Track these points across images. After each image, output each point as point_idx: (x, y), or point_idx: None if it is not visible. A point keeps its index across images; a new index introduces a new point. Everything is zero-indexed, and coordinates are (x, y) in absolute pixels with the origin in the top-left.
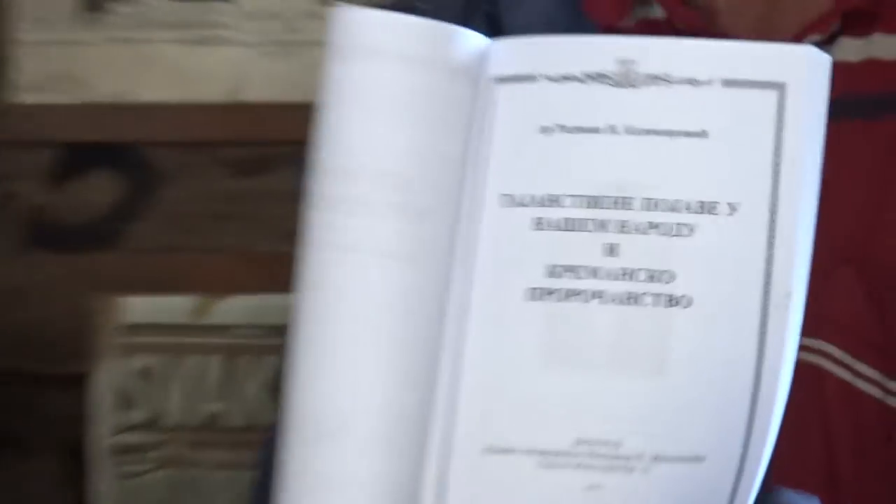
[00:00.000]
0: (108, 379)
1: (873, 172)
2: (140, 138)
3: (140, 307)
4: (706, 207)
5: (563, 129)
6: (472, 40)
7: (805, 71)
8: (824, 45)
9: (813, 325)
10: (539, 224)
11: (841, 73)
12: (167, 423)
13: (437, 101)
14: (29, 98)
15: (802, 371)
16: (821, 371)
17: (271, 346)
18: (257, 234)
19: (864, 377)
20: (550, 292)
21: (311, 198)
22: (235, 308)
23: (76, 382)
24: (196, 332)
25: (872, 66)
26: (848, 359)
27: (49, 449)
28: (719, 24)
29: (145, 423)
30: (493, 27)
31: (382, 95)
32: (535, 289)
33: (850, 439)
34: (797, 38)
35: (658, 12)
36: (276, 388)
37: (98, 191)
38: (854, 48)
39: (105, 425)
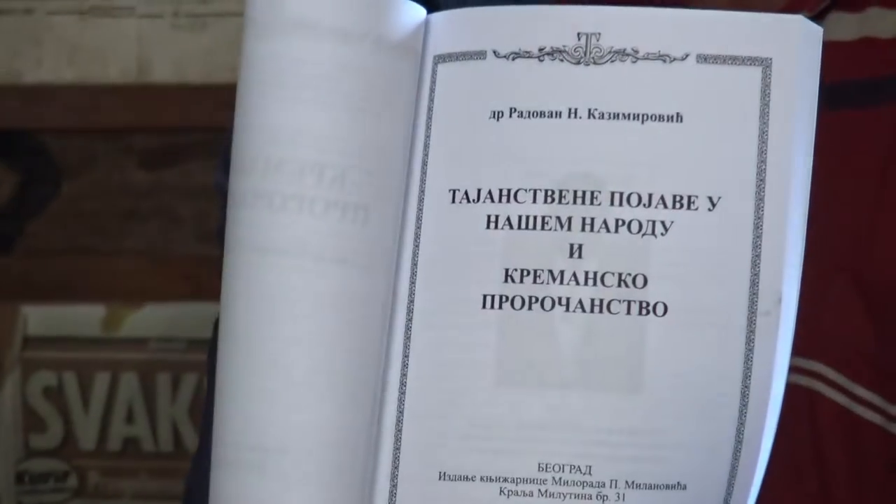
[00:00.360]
0: (10, 399)
1: (871, 168)
2: (34, 125)
3: (43, 318)
4: (683, 202)
5: (517, 113)
6: (410, 12)
7: (794, 44)
8: (814, 20)
9: (805, 343)
10: (493, 222)
11: (833, 55)
12: (79, 448)
13: (373, 81)
14: None
15: (794, 395)
16: (814, 395)
17: (192, 362)
18: (173, 234)
19: (862, 402)
20: (507, 299)
21: (233, 193)
22: (151, 319)
23: None
24: (107, 346)
25: (868, 46)
26: (844, 381)
27: None
28: (693, 2)
29: (55, 449)
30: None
31: (309, 75)
32: (490, 295)
33: (847, 470)
34: (783, 13)
35: None
36: (198, 409)
37: None
38: (847, 25)
39: (9, 451)
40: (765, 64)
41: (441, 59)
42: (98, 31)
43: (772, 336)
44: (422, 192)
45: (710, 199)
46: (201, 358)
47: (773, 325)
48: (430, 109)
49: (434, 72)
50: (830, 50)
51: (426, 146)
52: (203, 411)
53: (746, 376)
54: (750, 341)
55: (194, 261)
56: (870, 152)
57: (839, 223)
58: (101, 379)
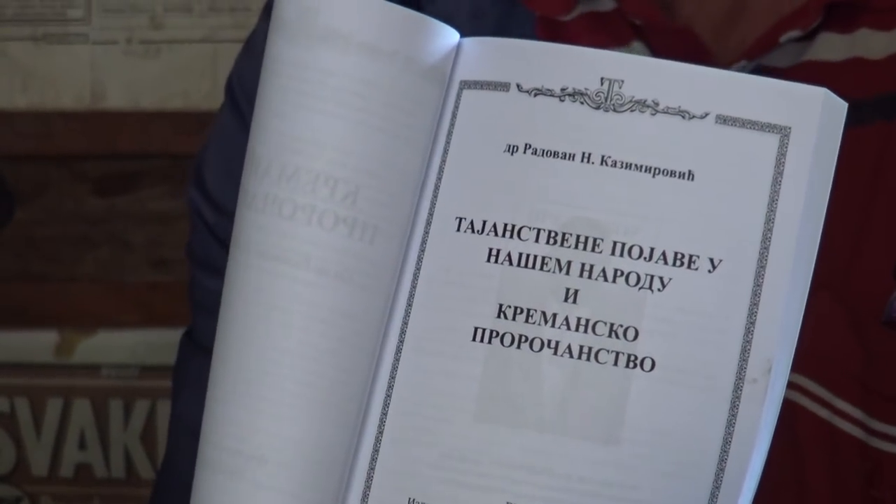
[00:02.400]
0: None
1: (855, 188)
2: None
3: None
4: (684, 260)
5: (531, 150)
6: (444, 34)
7: (815, 115)
8: (804, 41)
9: None
10: (493, 256)
11: (822, 74)
12: (31, 474)
13: (398, 100)
14: None
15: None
16: (796, 408)
17: (145, 388)
18: (126, 260)
19: (843, 415)
20: (497, 335)
21: (244, 195)
22: (104, 345)
23: None
24: (60, 372)
25: (857, 66)
26: (826, 395)
27: None
28: (680, 16)
29: (7, 475)
30: None
31: (335, 87)
32: (481, 329)
33: (826, 482)
34: (772, 34)
35: (608, 4)
36: (150, 435)
37: None
38: (836, 45)
39: None
40: (783, 133)
41: (467, 84)
42: (52, 58)
43: (757, 404)
44: (430, 215)
45: (712, 260)
46: (154, 384)
47: (759, 394)
48: (449, 134)
49: (458, 97)
50: (819, 70)
51: (441, 171)
52: (169, 426)
53: (726, 442)
54: (734, 407)
55: (147, 287)
56: (855, 171)
57: (824, 240)
58: (53, 405)
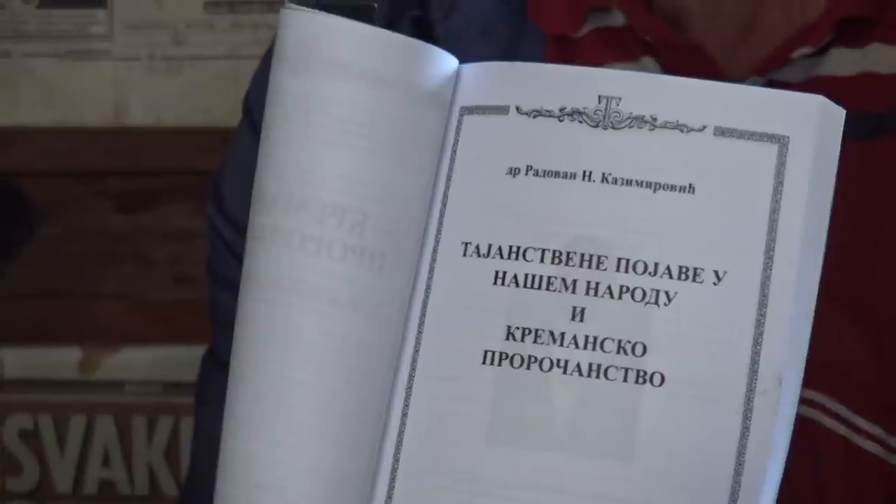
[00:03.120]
0: None
1: (871, 200)
2: (9, 168)
3: (19, 361)
4: (689, 274)
5: (533, 171)
6: (444, 61)
7: (814, 124)
8: (815, 56)
9: (806, 374)
10: (500, 278)
11: (834, 89)
12: (55, 491)
13: (401, 128)
14: None
15: (795, 425)
16: (815, 425)
17: (168, 405)
18: (149, 277)
19: (862, 432)
20: (507, 357)
21: (253, 227)
22: (127, 362)
23: None
24: (83, 389)
25: (869, 81)
26: (846, 412)
27: None
28: (692, 32)
29: (30, 492)
30: (423, 35)
31: (338, 116)
32: (490, 351)
33: (847, 496)
34: (784, 50)
35: (618, 20)
36: (174, 452)
37: None
38: (848, 60)
39: None
40: (782, 142)
41: (468, 110)
42: (74, 74)
43: (769, 415)
44: (437, 241)
45: (716, 272)
46: (177, 401)
47: (771, 405)
48: (452, 160)
49: (460, 122)
50: (831, 85)
51: (445, 196)
52: (192, 442)
53: (741, 454)
54: (746, 419)
55: (170, 304)
56: (870, 185)
57: (838, 255)
58: (77, 422)
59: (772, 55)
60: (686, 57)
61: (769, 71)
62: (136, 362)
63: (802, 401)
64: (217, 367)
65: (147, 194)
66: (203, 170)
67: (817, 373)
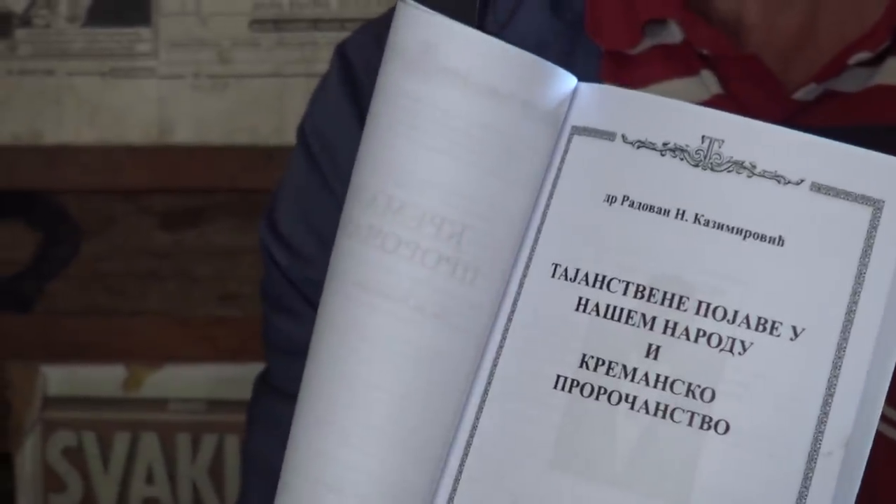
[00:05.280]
0: (31, 459)
1: None
2: (54, 186)
3: (63, 378)
4: (767, 325)
5: (629, 202)
6: (562, 80)
7: None
8: (871, 66)
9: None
10: (582, 305)
11: (891, 99)
12: None
13: (511, 144)
14: None
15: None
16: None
17: (212, 422)
18: (193, 295)
19: None
20: (578, 384)
21: (347, 222)
22: (171, 379)
23: None
24: (127, 406)
25: None
26: (894, 414)
27: None
28: (749, 43)
29: None
30: None
31: (449, 125)
32: (563, 377)
33: None
34: (841, 57)
35: (675, 35)
36: (218, 469)
37: (8, 245)
38: None
39: None
40: (876, 205)
41: (578, 130)
42: (119, 92)
43: (831, 477)
44: (529, 260)
45: (795, 328)
46: (221, 418)
47: (833, 467)
48: (556, 179)
49: (569, 142)
50: (888, 94)
51: (544, 216)
52: (241, 464)
53: None
54: (807, 479)
55: (214, 322)
56: None
57: None
58: (121, 439)
59: (829, 64)
60: (745, 68)
61: (827, 78)
62: (179, 380)
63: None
64: (268, 392)
65: (191, 212)
66: (247, 188)
67: None
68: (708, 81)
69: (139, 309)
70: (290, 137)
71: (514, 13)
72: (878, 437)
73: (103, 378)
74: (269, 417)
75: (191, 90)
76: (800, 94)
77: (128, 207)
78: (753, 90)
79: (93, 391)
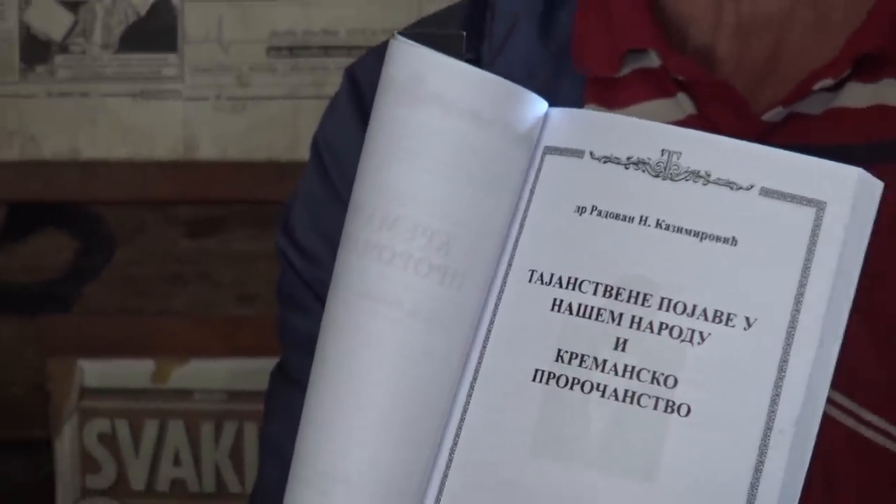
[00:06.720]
0: (69, 444)
1: (882, 218)
2: (90, 197)
3: (98, 371)
4: (722, 317)
5: (597, 211)
6: (536, 105)
7: (850, 192)
8: (832, 90)
9: None
10: (556, 305)
11: (850, 120)
12: (130, 488)
13: (493, 162)
14: None
15: None
16: (824, 418)
17: (232, 411)
18: (214, 297)
19: (869, 425)
20: (554, 377)
21: (347, 238)
22: (195, 373)
23: (36, 447)
24: (156, 396)
25: (881, 113)
26: (852, 405)
27: None
28: (721, 72)
29: (108, 489)
30: None
31: (441, 148)
32: (540, 371)
33: (853, 486)
34: (804, 85)
35: (654, 61)
36: (238, 453)
37: (48, 252)
38: (862, 93)
39: (68, 490)
40: (819, 206)
41: (550, 150)
42: (148, 113)
43: (783, 453)
44: (509, 266)
45: (747, 319)
46: (241, 408)
47: (785, 443)
48: (531, 194)
49: (542, 161)
50: (846, 115)
51: (521, 227)
52: (259, 451)
53: (753, 487)
54: (762, 454)
55: (234, 321)
56: (882, 207)
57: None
58: (150, 426)
59: (795, 89)
60: (717, 92)
61: (792, 102)
62: (203, 373)
63: None
64: (285, 383)
65: (213, 221)
66: (264, 199)
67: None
68: (683, 103)
69: (166, 309)
70: (302, 153)
71: (506, 42)
72: (831, 422)
73: (134, 371)
74: (283, 406)
75: (213, 111)
76: (768, 116)
77: (156, 217)
78: (725, 112)
79: (125, 383)
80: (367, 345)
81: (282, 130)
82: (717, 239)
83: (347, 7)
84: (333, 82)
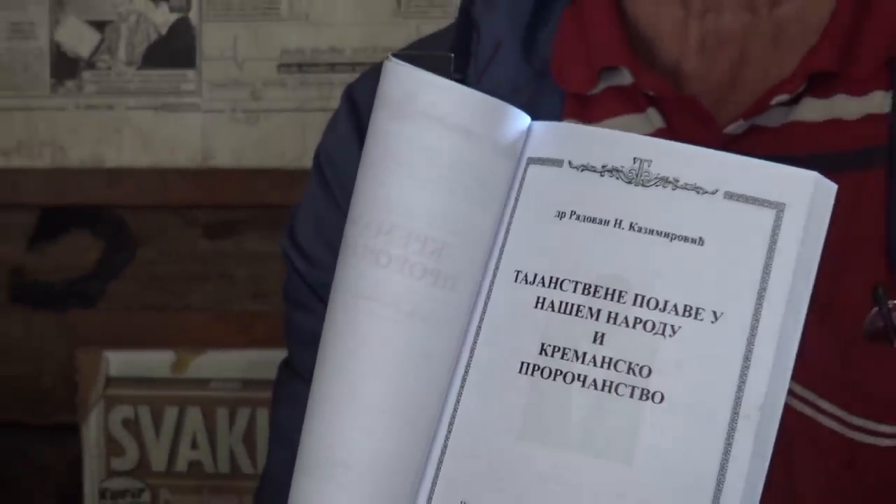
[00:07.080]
0: (95, 428)
1: (836, 224)
2: (115, 202)
3: (122, 362)
4: (691, 311)
5: (576, 216)
6: (520, 119)
7: (806, 195)
8: (789, 105)
9: None
10: (540, 303)
11: (805, 133)
12: (152, 469)
13: (482, 174)
14: (1, 162)
15: None
16: (785, 407)
17: (246, 399)
18: (229, 293)
19: (826, 413)
20: (539, 368)
21: (347, 243)
22: (211, 363)
23: (64, 432)
24: (176, 385)
25: (835, 126)
26: (811, 396)
27: (45, 494)
28: (688, 87)
29: (132, 470)
30: None
31: (432, 160)
32: (526, 363)
33: (811, 464)
34: (763, 100)
35: (626, 79)
36: (251, 438)
37: (76, 252)
38: (817, 108)
39: (95, 471)
40: (779, 208)
41: (532, 160)
42: (168, 124)
43: (749, 436)
44: (496, 268)
45: (714, 313)
46: (254, 395)
47: (751, 427)
48: (516, 201)
49: (525, 171)
50: (803, 129)
51: (507, 231)
52: (269, 437)
53: (723, 467)
54: (730, 437)
55: (248, 316)
56: (834, 213)
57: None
58: (170, 412)
59: (754, 103)
60: (684, 107)
61: (752, 115)
62: (219, 363)
63: None
64: (291, 376)
65: (229, 224)
66: (276, 204)
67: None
68: (653, 117)
69: (185, 305)
70: (310, 162)
71: (492, 62)
72: (792, 411)
73: (156, 362)
74: (289, 396)
75: (229, 122)
76: (730, 129)
77: (176, 220)
78: (691, 125)
79: (147, 373)
80: (366, 342)
81: (291, 141)
82: (686, 239)
83: (352, 28)
84: (338, 97)
